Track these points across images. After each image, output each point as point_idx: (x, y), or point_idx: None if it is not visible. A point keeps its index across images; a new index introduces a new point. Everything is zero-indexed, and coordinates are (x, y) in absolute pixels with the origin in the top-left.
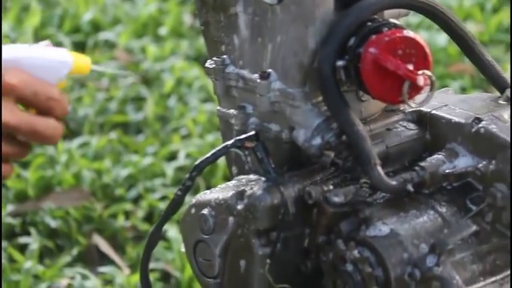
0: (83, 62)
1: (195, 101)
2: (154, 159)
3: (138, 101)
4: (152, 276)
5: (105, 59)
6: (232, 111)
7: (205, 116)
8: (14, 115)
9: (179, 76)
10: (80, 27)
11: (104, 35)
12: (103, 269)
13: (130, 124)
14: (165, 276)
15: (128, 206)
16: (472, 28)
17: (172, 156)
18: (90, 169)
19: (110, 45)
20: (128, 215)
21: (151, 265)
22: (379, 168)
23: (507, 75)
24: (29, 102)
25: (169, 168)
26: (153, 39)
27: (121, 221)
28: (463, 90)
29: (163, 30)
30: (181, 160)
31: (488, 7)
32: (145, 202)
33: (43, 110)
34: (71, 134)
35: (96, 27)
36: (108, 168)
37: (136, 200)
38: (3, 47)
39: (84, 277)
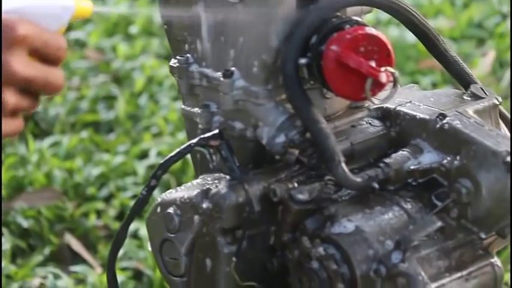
0: (84, 5)
1: (166, 99)
2: (125, 158)
3: (109, 100)
4: (124, 275)
5: (76, 58)
6: (196, 109)
7: (176, 114)
8: (28, 68)
9: (150, 74)
10: None
11: (74, 34)
12: (75, 268)
13: (102, 123)
14: (138, 275)
15: (100, 205)
16: (442, 24)
17: (143, 155)
18: (61, 168)
19: (81, 44)
20: (99, 214)
21: (124, 264)
22: (344, 166)
23: (473, 72)
24: (40, 53)
25: (141, 167)
26: (123, 38)
27: (93, 220)
28: (434, 85)
29: (133, 29)
30: (153, 158)
31: (459, 3)
32: (117, 201)
33: (52, 59)
34: (42, 133)
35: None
36: (79, 168)
37: (108, 199)
38: None
39: (56, 276)
